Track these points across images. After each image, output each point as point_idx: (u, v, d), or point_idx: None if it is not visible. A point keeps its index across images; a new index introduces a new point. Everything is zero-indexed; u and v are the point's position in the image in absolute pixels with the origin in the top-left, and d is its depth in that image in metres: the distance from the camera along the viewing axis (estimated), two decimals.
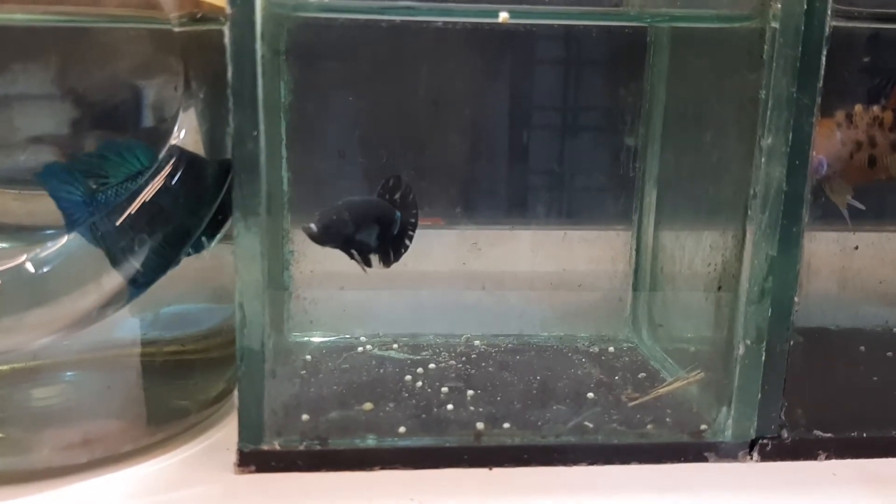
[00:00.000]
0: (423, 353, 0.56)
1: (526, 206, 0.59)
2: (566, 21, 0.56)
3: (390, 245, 0.49)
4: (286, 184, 0.53)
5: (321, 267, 0.56)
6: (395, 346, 0.57)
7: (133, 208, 0.40)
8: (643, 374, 0.53)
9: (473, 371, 0.53)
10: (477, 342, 0.58)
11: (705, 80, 0.51)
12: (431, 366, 0.53)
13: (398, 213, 0.49)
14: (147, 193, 0.41)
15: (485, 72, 0.57)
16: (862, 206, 0.50)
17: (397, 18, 0.51)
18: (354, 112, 0.55)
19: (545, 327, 0.59)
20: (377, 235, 0.48)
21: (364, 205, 0.48)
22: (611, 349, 0.57)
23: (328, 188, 0.56)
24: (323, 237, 0.45)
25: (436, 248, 0.57)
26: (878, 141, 0.49)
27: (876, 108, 0.49)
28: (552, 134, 0.59)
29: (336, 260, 0.48)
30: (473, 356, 0.55)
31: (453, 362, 0.54)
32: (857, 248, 0.54)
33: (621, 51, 0.57)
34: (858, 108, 0.49)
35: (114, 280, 0.42)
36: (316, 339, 0.57)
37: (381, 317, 0.58)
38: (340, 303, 0.57)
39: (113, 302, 0.42)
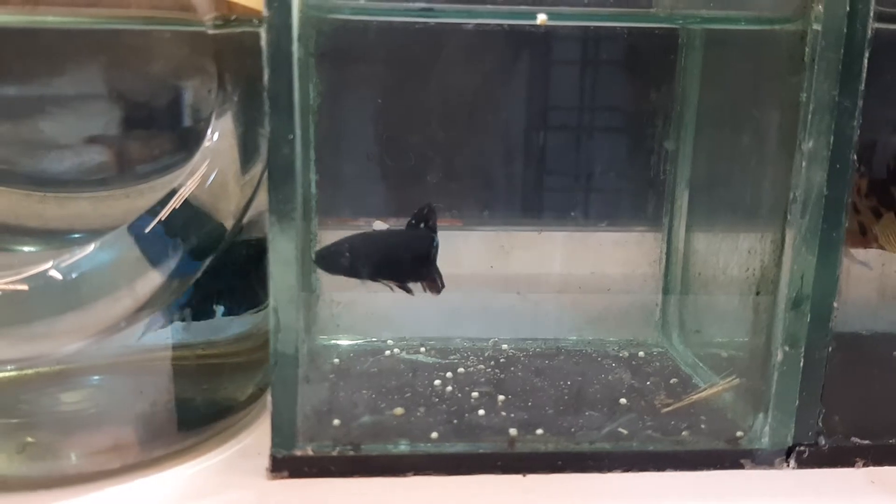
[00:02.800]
0: (452, 357, 0.55)
1: (554, 209, 0.59)
2: (596, 22, 0.55)
3: (426, 273, 0.49)
4: (314, 186, 0.53)
5: None
6: (423, 349, 0.56)
7: None
8: (675, 380, 0.52)
9: (503, 376, 0.52)
10: (505, 346, 0.57)
11: (741, 83, 0.50)
12: (460, 370, 0.53)
13: (434, 240, 0.49)
14: None
15: (513, 73, 0.57)
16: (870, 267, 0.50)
17: (431, 20, 0.50)
18: (382, 114, 0.55)
19: (573, 331, 0.59)
20: (399, 268, 0.48)
21: (372, 239, 0.48)
22: (641, 354, 0.57)
23: (356, 190, 0.56)
24: (320, 264, 0.47)
25: (462, 250, 0.57)
26: (858, 207, 0.48)
27: None
28: (581, 136, 0.58)
29: None
30: (502, 360, 0.55)
31: (482, 366, 0.54)
32: None
33: (652, 52, 0.56)
34: None
35: (146, 285, 0.41)
36: (343, 343, 0.57)
37: (408, 320, 0.58)
38: (367, 306, 0.57)
39: (145, 307, 0.42)
